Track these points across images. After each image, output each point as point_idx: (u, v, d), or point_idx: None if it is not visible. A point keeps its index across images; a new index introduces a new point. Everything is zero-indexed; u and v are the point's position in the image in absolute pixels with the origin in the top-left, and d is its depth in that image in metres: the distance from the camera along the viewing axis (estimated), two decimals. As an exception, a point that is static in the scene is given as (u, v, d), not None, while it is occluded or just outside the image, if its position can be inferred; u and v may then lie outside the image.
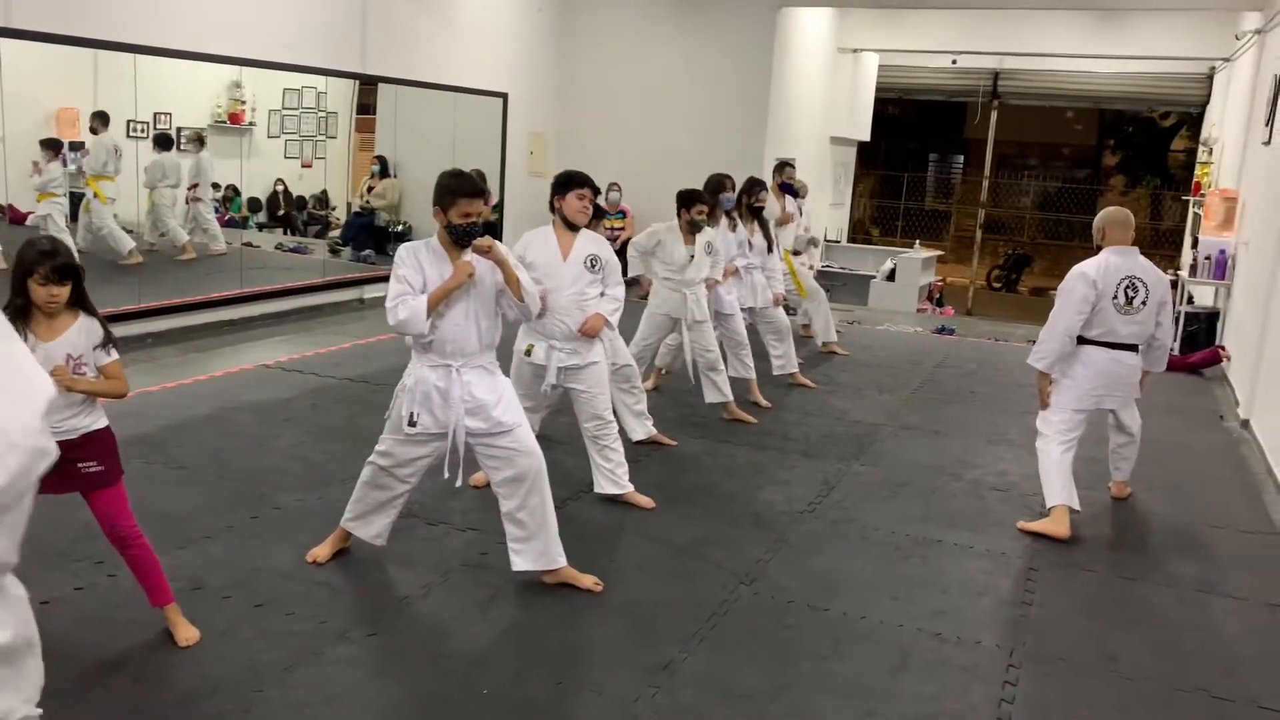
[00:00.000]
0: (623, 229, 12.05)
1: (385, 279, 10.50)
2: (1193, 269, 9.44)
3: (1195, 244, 9.72)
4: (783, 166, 9.07)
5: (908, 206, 23.47)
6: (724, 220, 6.89)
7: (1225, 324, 9.12)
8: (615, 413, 5.16)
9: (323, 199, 14.92)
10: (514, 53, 11.69)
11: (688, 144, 11.51)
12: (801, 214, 9.08)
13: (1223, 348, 8.83)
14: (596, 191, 4.83)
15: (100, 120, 10.61)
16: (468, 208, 3.74)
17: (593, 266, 4.75)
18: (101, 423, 3.33)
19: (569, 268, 4.71)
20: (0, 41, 6.81)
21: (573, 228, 4.75)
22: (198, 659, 3.27)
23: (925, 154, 25.82)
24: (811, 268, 9.43)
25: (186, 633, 3.37)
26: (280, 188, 14.62)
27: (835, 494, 5.22)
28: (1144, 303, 4.82)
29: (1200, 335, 9.17)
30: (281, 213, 14.79)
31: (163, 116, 12.56)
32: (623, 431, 5.23)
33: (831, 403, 7.13)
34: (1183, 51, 13.08)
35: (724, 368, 6.43)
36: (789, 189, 8.92)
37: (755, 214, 7.30)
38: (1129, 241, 4.96)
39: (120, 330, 6.94)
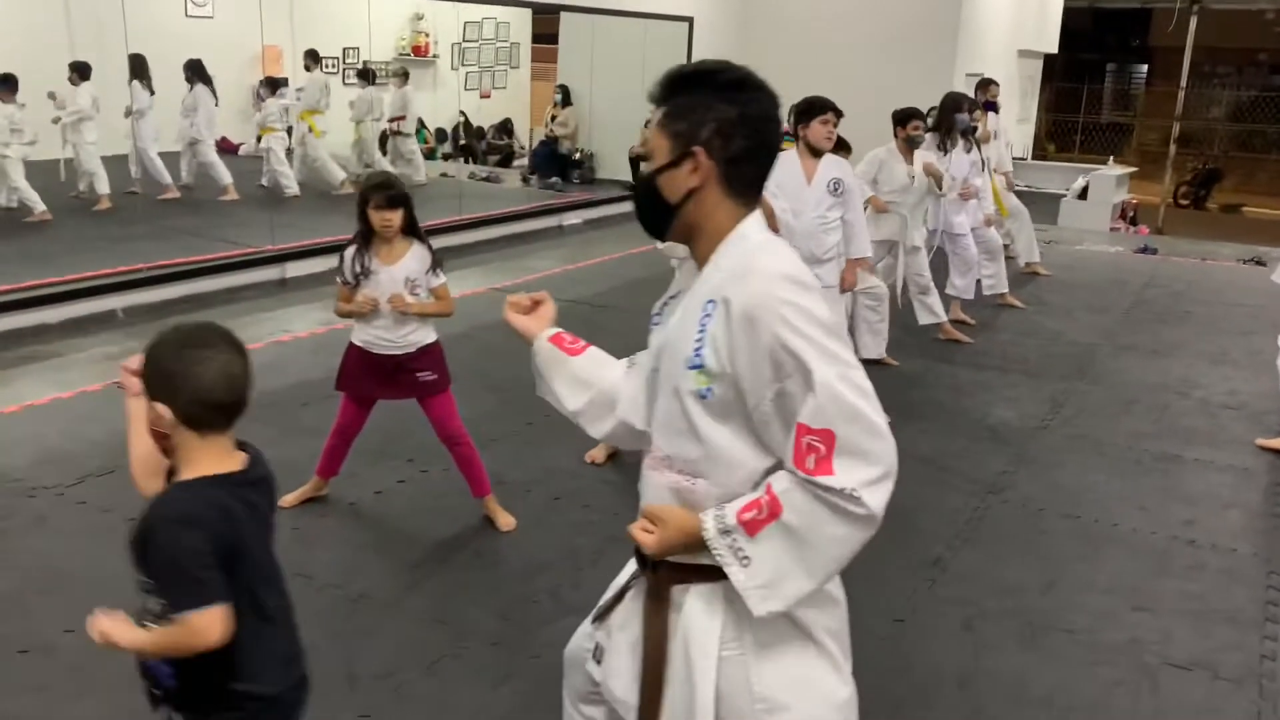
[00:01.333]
0: (784, 149, 12.10)
1: (581, 206, 10.89)
2: None
3: None
4: (987, 84, 8.97)
5: (1085, 121, 22.51)
6: (960, 141, 6.90)
7: None
8: (852, 330, 5.39)
9: (505, 128, 15.45)
10: (700, -23, 11.78)
11: (875, 66, 11.40)
12: (999, 132, 8.98)
13: None
14: (840, 115, 5.00)
15: (312, 58, 11.29)
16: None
17: (835, 190, 4.94)
18: (432, 337, 3.78)
19: (813, 192, 4.92)
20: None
21: (816, 153, 4.95)
22: (520, 543, 3.73)
23: (1103, 65, 24.59)
24: (1012, 187, 9.32)
25: (506, 520, 3.84)
26: (463, 118, 15.21)
27: (1065, 411, 5.35)
28: None
29: None
30: (463, 143, 15.41)
31: (351, 51, 13.25)
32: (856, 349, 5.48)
33: (1044, 323, 7.16)
34: None
35: (935, 290, 6.56)
36: (992, 107, 8.82)
37: (967, 133, 7.30)
38: None
39: (334, 260, 7.60)
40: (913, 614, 3.36)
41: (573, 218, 10.59)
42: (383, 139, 12.30)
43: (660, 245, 4.07)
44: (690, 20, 11.65)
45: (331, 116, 11.69)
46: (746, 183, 1.65)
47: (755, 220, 1.66)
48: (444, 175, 12.99)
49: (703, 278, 1.67)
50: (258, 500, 1.75)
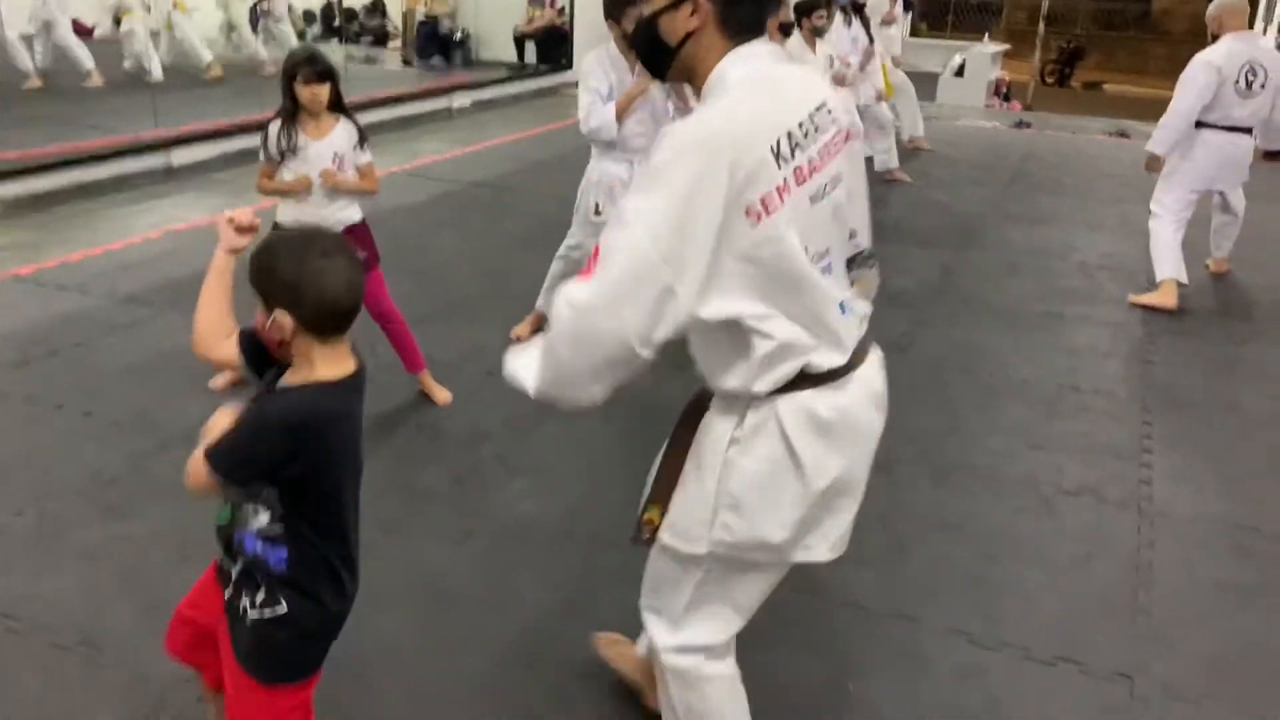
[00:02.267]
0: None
1: (470, 86, 10.66)
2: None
3: (1280, 29, 9.71)
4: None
5: (956, 1, 22.87)
6: (839, 18, 7.02)
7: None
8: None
9: (376, 8, 14.84)
10: None
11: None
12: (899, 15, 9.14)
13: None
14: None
15: (175, -68, 10.62)
16: (636, 13, 4.04)
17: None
18: (360, 215, 3.79)
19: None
20: None
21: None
22: (459, 414, 3.84)
23: (974, -57, 24.91)
24: (898, 64, 9.52)
25: (442, 394, 3.93)
26: (333, -1, 14.52)
27: (957, 277, 5.67)
28: (1263, 86, 5.10)
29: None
30: (336, 24, 14.76)
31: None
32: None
33: (932, 196, 7.48)
34: None
35: None
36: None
37: (858, 10, 7.43)
38: (1243, 26, 5.19)
39: (223, 146, 7.38)
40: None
41: (462, 99, 10.40)
42: (253, 20, 11.73)
43: (587, 130, 4.12)
44: (574, -107, 11.35)
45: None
46: (743, 24, 1.67)
47: (736, 56, 1.67)
48: (319, 58, 12.50)
49: None
50: (360, 404, 1.76)
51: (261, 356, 1.76)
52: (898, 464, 3.58)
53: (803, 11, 6.27)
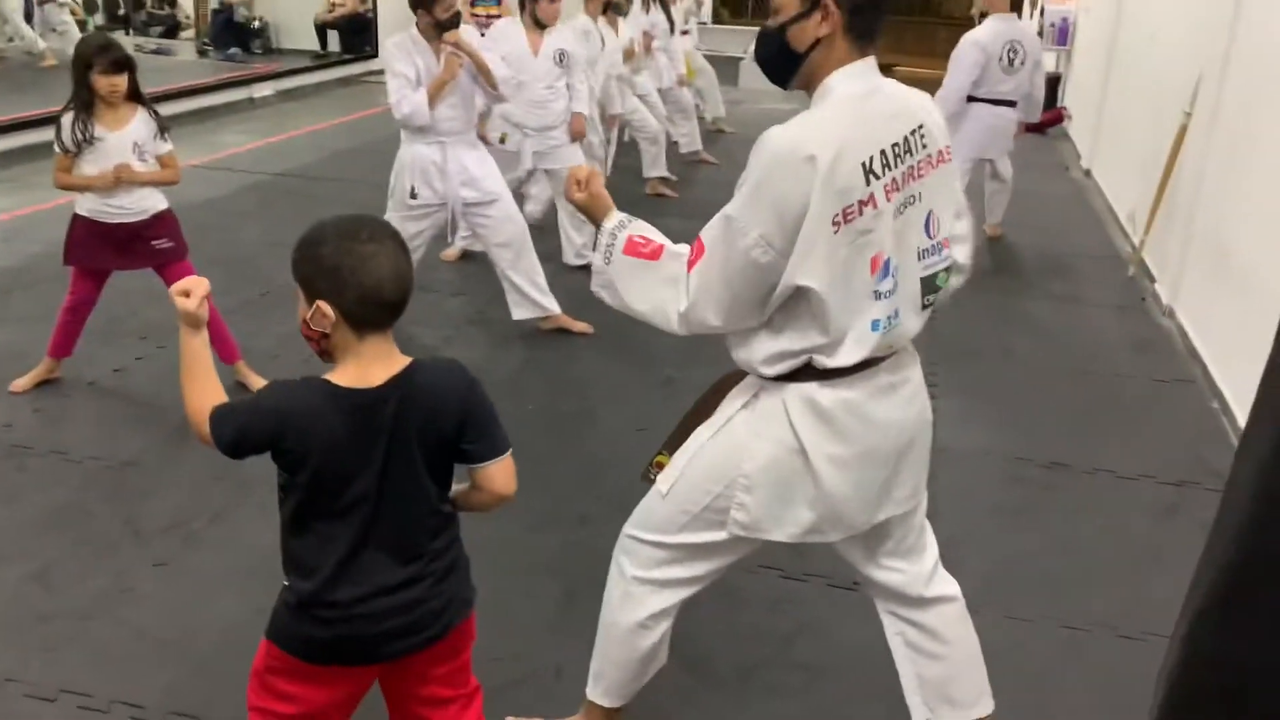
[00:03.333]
0: (497, 16, 12.07)
1: (271, 77, 10.37)
2: (1038, 35, 10.33)
3: (1041, 12, 10.58)
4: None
5: (755, -13, 23.66)
6: (636, 3, 7.24)
7: (1066, 87, 10.13)
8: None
9: (164, -3, 14.17)
10: None
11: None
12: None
13: (1064, 108, 9.86)
14: None
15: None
16: (451, 3, 4.13)
17: (560, 60, 5.15)
18: (165, 204, 3.72)
19: (540, 63, 5.10)
20: None
21: (541, 25, 5.11)
22: (280, 402, 3.83)
23: (767, -69, 25.80)
24: (698, 47, 9.85)
25: (259, 384, 3.89)
26: (119, -15, 13.81)
27: (761, 247, 5.98)
28: (1023, 62, 5.62)
29: (1044, 98, 10.15)
30: (122, 13, 14.04)
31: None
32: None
33: (735, 176, 7.76)
34: None
35: (662, 143, 7.02)
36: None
37: (644, -5, 7.67)
38: (1008, 9, 5.72)
39: (21, 139, 6.97)
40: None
41: (264, 89, 10.11)
42: (28, 8, 11.02)
43: (400, 115, 4.14)
44: (370, -122, 11.17)
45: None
46: (866, 30, 1.79)
47: (848, 71, 1.80)
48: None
49: None
50: (385, 421, 1.60)
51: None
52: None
53: None
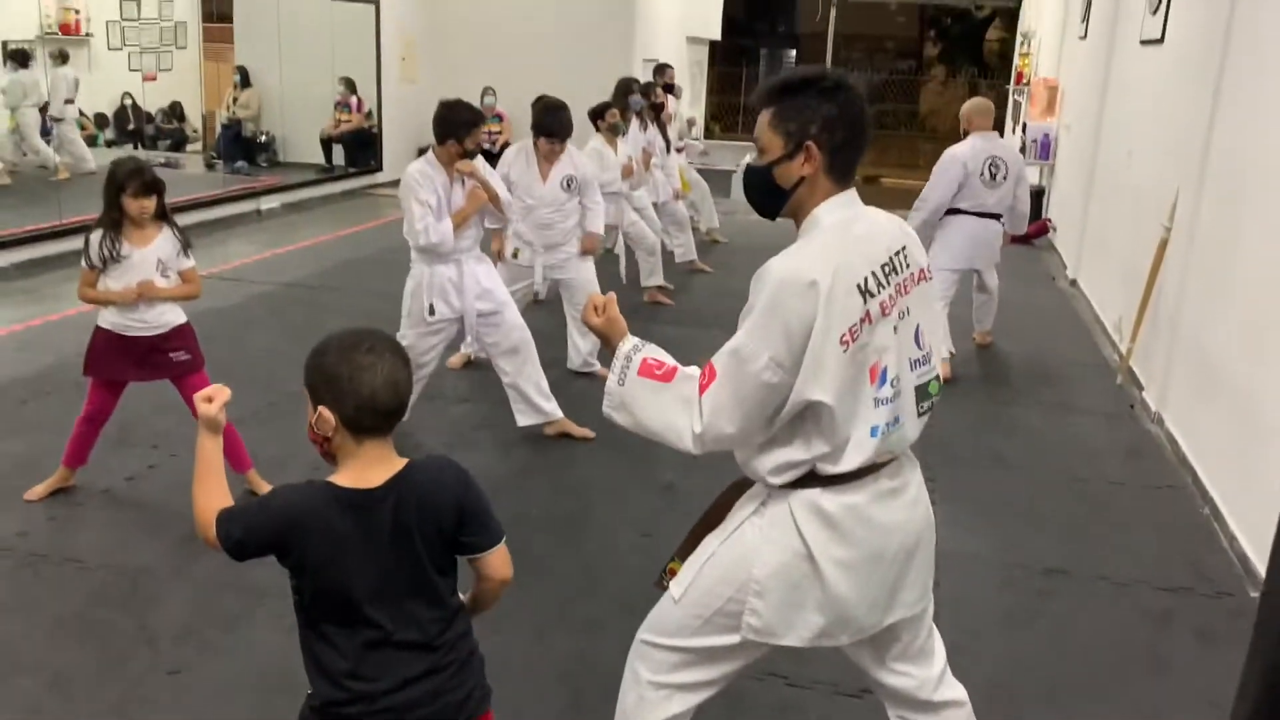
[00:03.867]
0: (500, 133, 12.49)
1: (278, 190, 10.63)
2: (1021, 150, 10.70)
3: (1024, 129, 10.98)
4: (663, 68, 9.75)
5: (745, 102, 24.43)
6: (634, 121, 7.54)
7: (1050, 199, 10.46)
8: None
9: (174, 111, 14.61)
10: (384, -41, 11.82)
11: (559, 47, 11.96)
12: (677, 114, 9.82)
13: (1049, 220, 10.16)
14: (565, 141, 5.31)
15: (-46, 44, 10.26)
16: (479, 135, 4.36)
17: (568, 186, 5.36)
18: (183, 318, 3.85)
19: (548, 189, 5.32)
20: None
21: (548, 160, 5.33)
22: (290, 509, 3.89)
23: (757, 50, 26.75)
24: (691, 163, 10.19)
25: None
26: (129, 101, 14.24)
27: (757, 356, 6.12)
28: (1005, 177, 5.86)
29: (1030, 210, 10.46)
30: (132, 128, 14.44)
31: (-12, 32, 12.07)
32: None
33: (731, 284, 7.97)
34: (1002, -49, 14.28)
35: (659, 254, 7.24)
36: (670, 89, 9.61)
37: (655, 113, 7.99)
38: (989, 127, 5.98)
39: (17, 255, 7.16)
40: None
41: (270, 201, 10.39)
42: (44, 126, 11.37)
43: (425, 243, 4.30)
44: (376, 3, 11.67)
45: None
46: (846, 168, 1.97)
47: (832, 203, 1.96)
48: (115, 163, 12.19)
49: None
50: (385, 520, 1.71)
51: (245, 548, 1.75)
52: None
53: (596, 114, 6.74)
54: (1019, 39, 14.86)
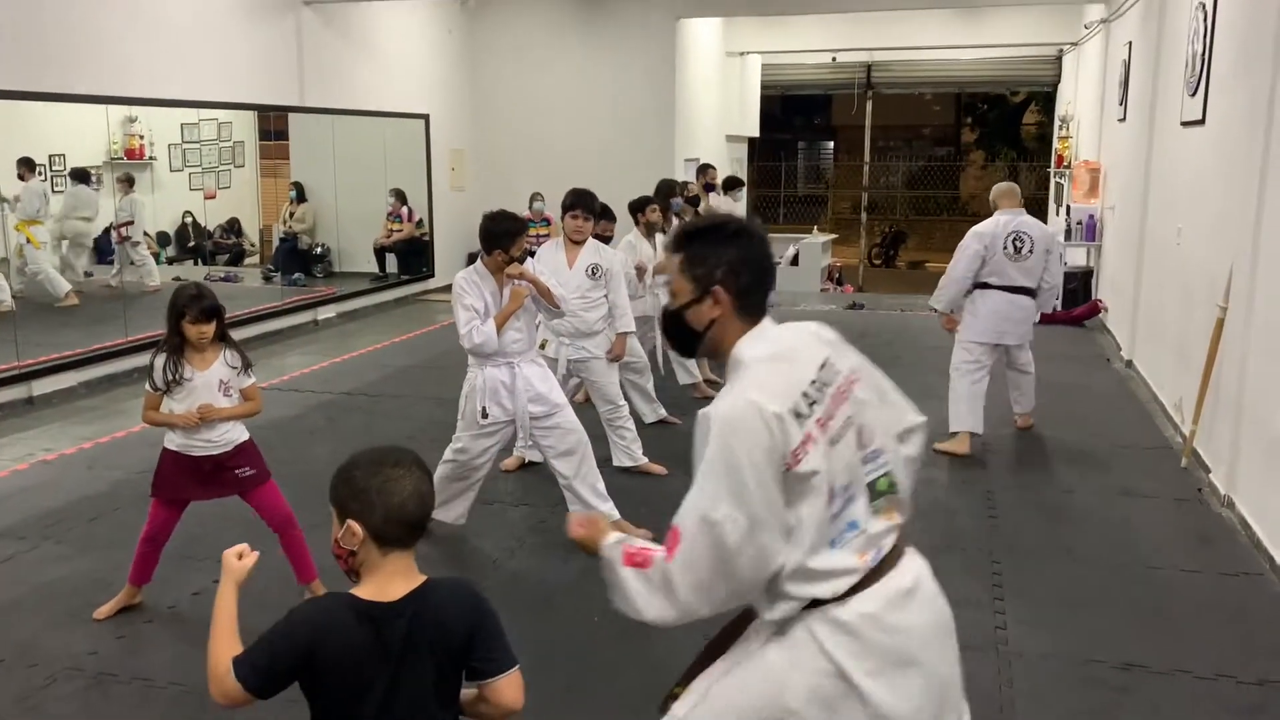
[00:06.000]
0: (547, 235, 12.75)
1: (334, 300, 10.88)
2: (1066, 233, 10.70)
3: (1068, 211, 10.98)
4: (705, 168, 9.96)
5: (785, 194, 24.75)
6: (675, 222, 7.67)
7: (1099, 280, 10.39)
8: (628, 397, 5.91)
9: (232, 227, 15.13)
10: (432, 76, 12.28)
11: (601, 151, 12.27)
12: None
13: (1100, 300, 10.08)
14: (593, 212, 5.53)
15: (27, 166, 10.76)
16: (524, 241, 4.49)
17: (593, 274, 5.48)
18: (245, 435, 3.94)
19: (573, 276, 5.44)
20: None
21: (575, 242, 5.49)
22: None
23: (795, 144, 27.17)
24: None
25: (334, 603, 4.00)
26: (189, 219, 14.79)
27: (812, 449, 6.09)
28: (1031, 251, 5.92)
29: (1078, 291, 10.42)
30: (192, 244, 14.96)
31: (57, 158, 12.67)
32: (635, 414, 5.99)
33: (781, 376, 8.01)
34: (1035, 38, 14.50)
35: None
36: (711, 188, 9.81)
37: (693, 207, 8.14)
38: (1015, 205, 6.09)
39: (86, 374, 7.39)
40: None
41: (326, 311, 10.66)
42: (105, 244, 11.80)
43: (471, 345, 4.40)
44: (426, 117, 12.08)
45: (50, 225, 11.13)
46: (753, 307, 2.05)
47: (749, 339, 2.03)
48: (177, 279, 12.59)
49: None
50: (399, 634, 1.75)
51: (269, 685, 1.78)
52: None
53: (636, 209, 6.88)
54: (1057, 122, 14.97)
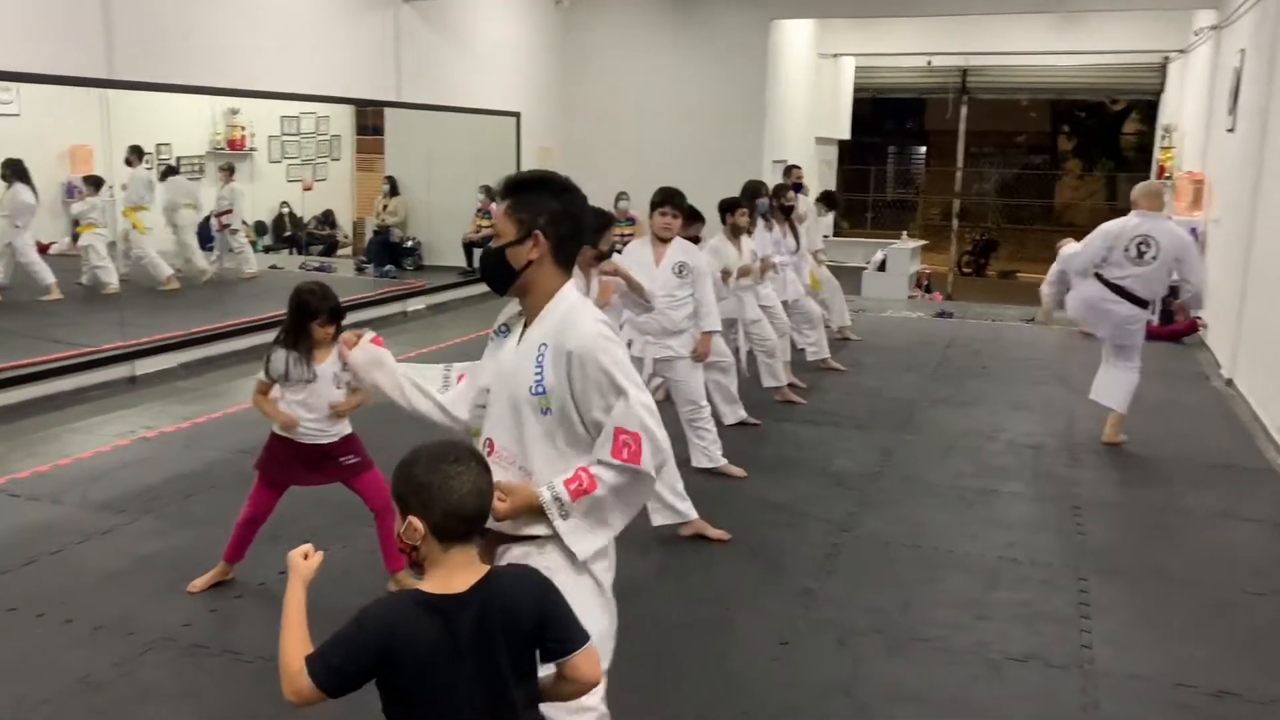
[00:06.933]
0: (633, 234, 12.80)
1: (424, 292, 11.09)
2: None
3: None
4: (791, 169, 9.87)
5: (874, 199, 24.42)
6: (760, 221, 7.62)
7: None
8: (710, 398, 5.90)
9: (326, 219, 15.52)
10: (524, 74, 12.42)
11: (689, 151, 12.26)
12: (810, 212, 9.88)
13: (1199, 317, 9.74)
14: (681, 210, 5.53)
15: (135, 154, 11.18)
16: (610, 236, 4.52)
17: (680, 273, 5.47)
18: (349, 427, 4.05)
19: (660, 274, 5.43)
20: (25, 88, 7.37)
21: (662, 239, 5.48)
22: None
23: (885, 148, 26.79)
24: (821, 261, 10.20)
25: (416, 588, 4.08)
26: (285, 210, 15.21)
27: (895, 458, 6.02)
28: (1155, 257, 5.76)
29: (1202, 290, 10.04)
30: (288, 234, 15.38)
31: (163, 147, 13.13)
32: (715, 415, 5.98)
33: (864, 383, 7.93)
34: (1138, 45, 14.07)
35: (779, 356, 7.20)
36: (799, 188, 9.71)
37: (785, 214, 8.08)
38: (1154, 208, 5.96)
39: (185, 355, 7.65)
40: (794, 636, 3.82)
41: (416, 303, 10.85)
42: (205, 233, 12.20)
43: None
44: (518, 115, 12.22)
45: (155, 212, 11.56)
46: (568, 257, 2.36)
47: (571, 285, 2.37)
48: (273, 268, 12.97)
49: (534, 325, 2.34)
50: (470, 624, 1.76)
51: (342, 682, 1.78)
52: (853, 637, 3.78)
53: (725, 209, 6.84)
54: (1159, 132, 14.51)
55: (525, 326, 2.38)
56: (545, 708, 1.94)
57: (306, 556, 1.93)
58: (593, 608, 2.29)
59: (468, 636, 1.76)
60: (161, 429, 6.27)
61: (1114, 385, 6.22)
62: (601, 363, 2.23)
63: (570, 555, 2.29)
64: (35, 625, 3.76)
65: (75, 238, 10.78)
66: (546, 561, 2.26)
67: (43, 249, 11.25)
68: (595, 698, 2.29)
